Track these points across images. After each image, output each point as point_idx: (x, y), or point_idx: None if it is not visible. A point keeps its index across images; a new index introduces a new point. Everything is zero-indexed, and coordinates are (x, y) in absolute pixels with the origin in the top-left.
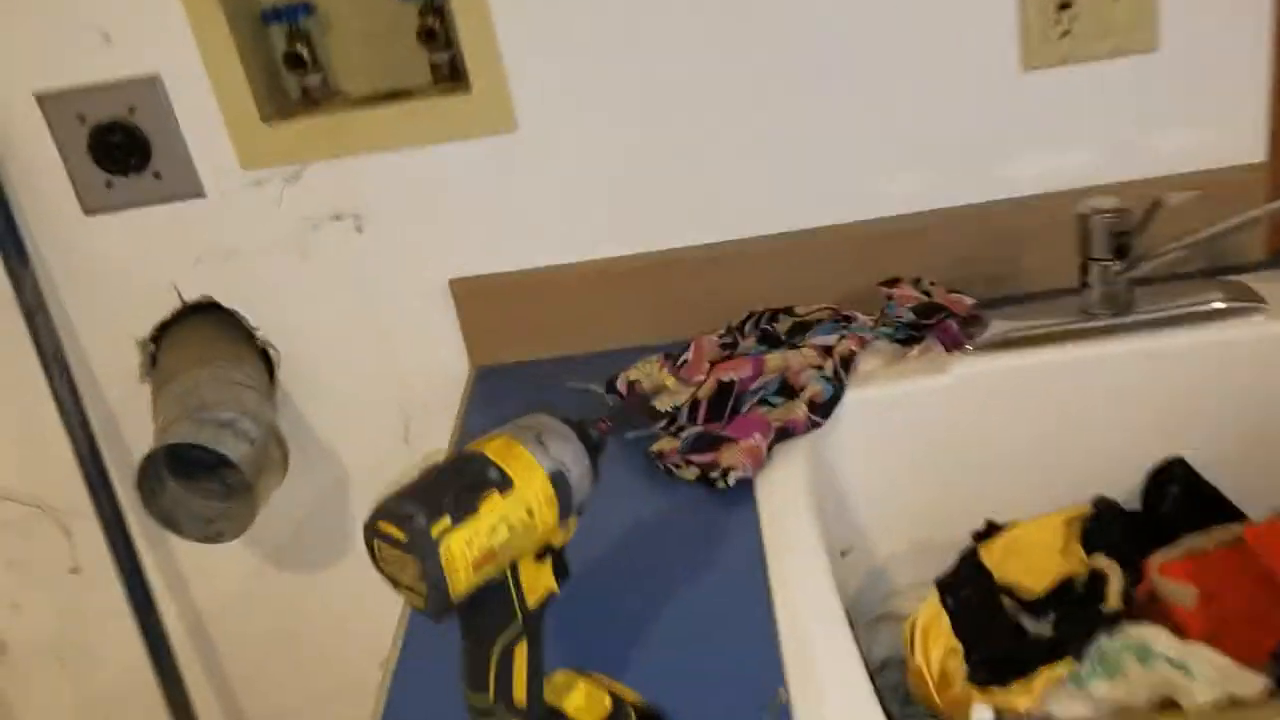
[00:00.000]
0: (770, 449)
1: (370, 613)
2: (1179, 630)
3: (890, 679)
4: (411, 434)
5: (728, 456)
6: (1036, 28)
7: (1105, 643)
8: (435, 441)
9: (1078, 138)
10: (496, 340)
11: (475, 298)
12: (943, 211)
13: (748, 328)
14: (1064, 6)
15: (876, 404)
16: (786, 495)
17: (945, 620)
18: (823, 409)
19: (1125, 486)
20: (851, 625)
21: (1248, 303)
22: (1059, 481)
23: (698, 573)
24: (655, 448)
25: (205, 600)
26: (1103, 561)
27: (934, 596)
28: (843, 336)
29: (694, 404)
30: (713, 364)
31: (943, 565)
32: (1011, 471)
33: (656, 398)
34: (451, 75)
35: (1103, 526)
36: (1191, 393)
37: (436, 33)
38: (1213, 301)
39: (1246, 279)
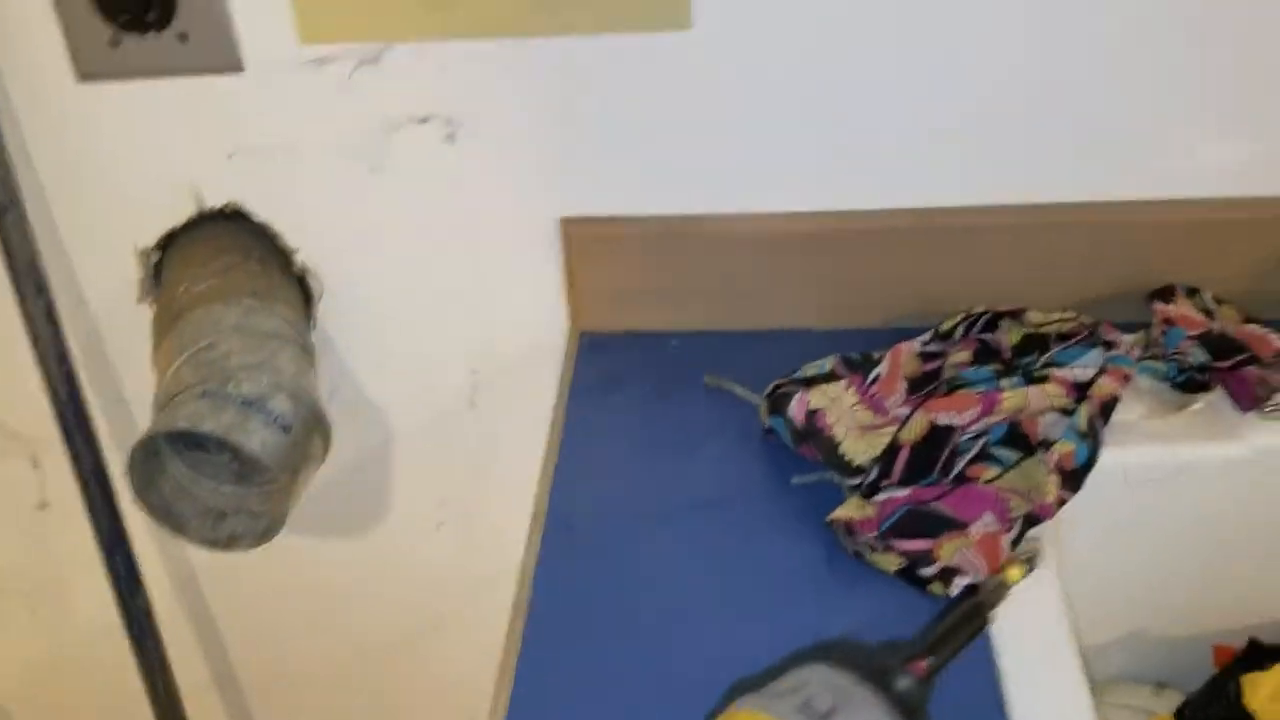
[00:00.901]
0: (1019, 538)
1: (398, 584)
2: None
3: None
4: (479, 401)
5: (950, 550)
6: None
7: None
8: (506, 412)
9: None
10: (610, 300)
11: (590, 244)
12: (1257, 201)
13: (959, 333)
14: None
15: (1134, 472)
16: (1034, 618)
17: None
18: (1072, 479)
19: None
20: None
21: None
22: None
23: None
24: (840, 514)
25: (201, 557)
26: None
27: None
28: (1102, 369)
29: (894, 448)
30: (911, 383)
31: (1159, 664)
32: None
33: (845, 442)
34: None
35: None
36: None
37: None
38: None
39: None
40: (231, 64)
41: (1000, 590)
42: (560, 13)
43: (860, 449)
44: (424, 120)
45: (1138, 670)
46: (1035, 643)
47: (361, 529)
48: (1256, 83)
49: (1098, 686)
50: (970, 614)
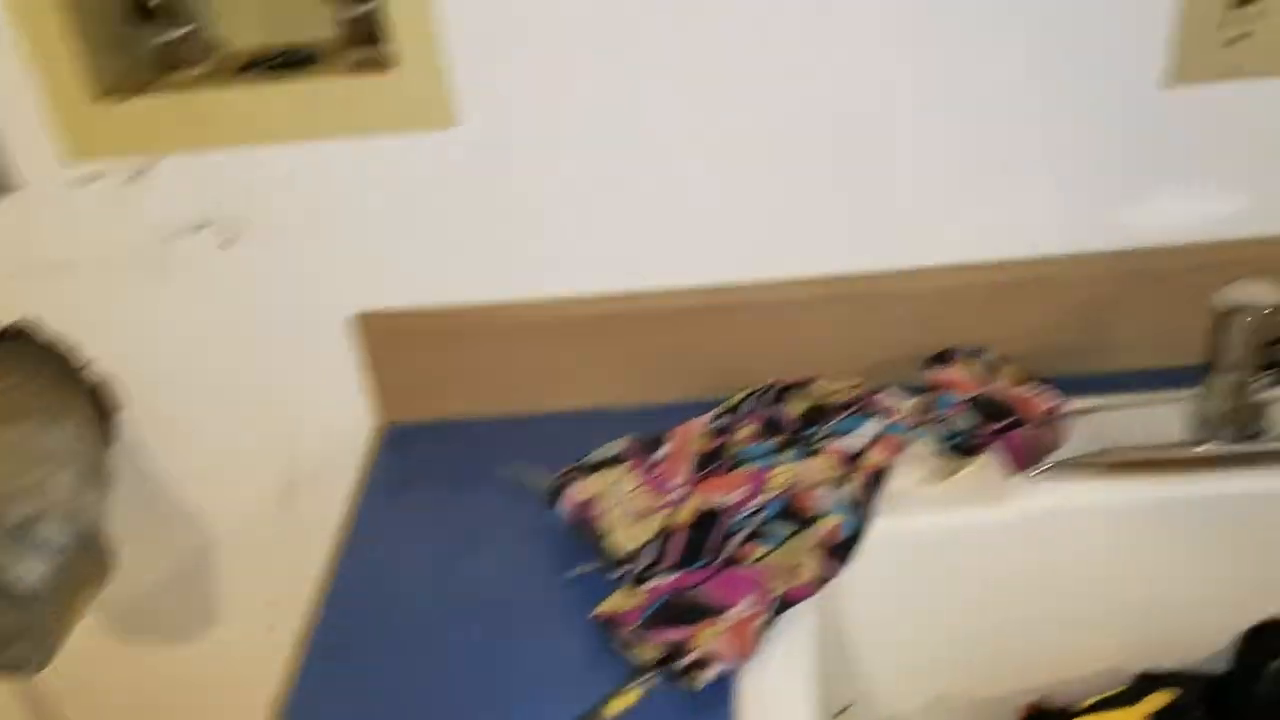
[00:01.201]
0: (770, 622)
1: (237, 687)
2: None
3: None
4: (294, 500)
5: (706, 638)
6: (1198, 31)
7: None
8: (321, 510)
9: (1231, 176)
10: (412, 392)
11: (386, 337)
12: (1025, 263)
13: (747, 407)
14: (1246, 1)
15: (908, 539)
16: (781, 702)
17: None
18: (838, 553)
19: (1209, 649)
20: None
21: None
22: (1130, 641)
23: None
24: (605, 608)
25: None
26: None
27: None
28: (875, 439)
29: (667, 534)
30: (698, 460)
31: None
32: (1071, 625)
33: (614, 533)
34: (370, 37)
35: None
36: None
37: None
38: None
39: None
40: (4, 185)
41: None
42: (323, 119)
43: (628, 538)
44: (199, 228)
45: None
46: None
47: (196, 633)
48: (1018, 157)
49: None
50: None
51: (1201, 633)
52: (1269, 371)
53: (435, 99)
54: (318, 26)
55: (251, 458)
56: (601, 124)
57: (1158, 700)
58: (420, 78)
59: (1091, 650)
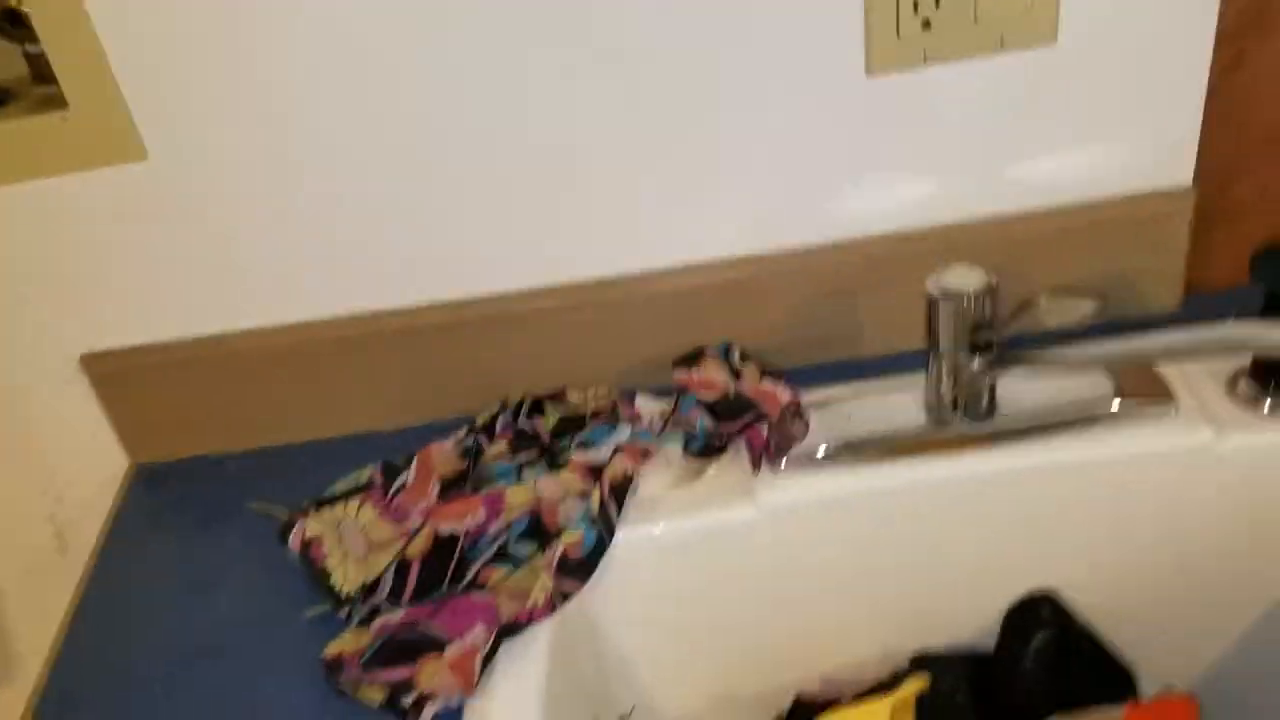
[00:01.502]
0: (494, 652)
1: None
2: None
3: None
4: (68, 546)
5: (429, 674)
6: (884, 20)
7: None
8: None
9: (940, 161)
10: (159, 430)
11: (121, 378)
12: (754, 259)
13: (499, 424)
14: None
15: (657, 545)
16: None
17: None
18: (578, 569)
19: (977, 629)
20: None
21: (1149, 399)
22: (895, 624)
23: None
24: (332, 650)
25: None
26: None
27: None
28: (619, 449)
29: (401, 566)
30: (446, 484)
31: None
32: (836, 615)
33: (339, 570)
34: (49, 75)
35: (942, 706)
36: (1069, 520)
37: (22, 15)
38: (1102, 403)
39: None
40: None
41: None
42: (16, 161)
43: (354, 576)
44: None
45: None
46: None
47: None
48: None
49: None
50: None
51: (968, 613)
52: (981, 354)
53: (114, 132)
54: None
55: (15, 508)
56: (294, 143)
57: (914, 686)
58: (94, 113)
59: (862, 637)
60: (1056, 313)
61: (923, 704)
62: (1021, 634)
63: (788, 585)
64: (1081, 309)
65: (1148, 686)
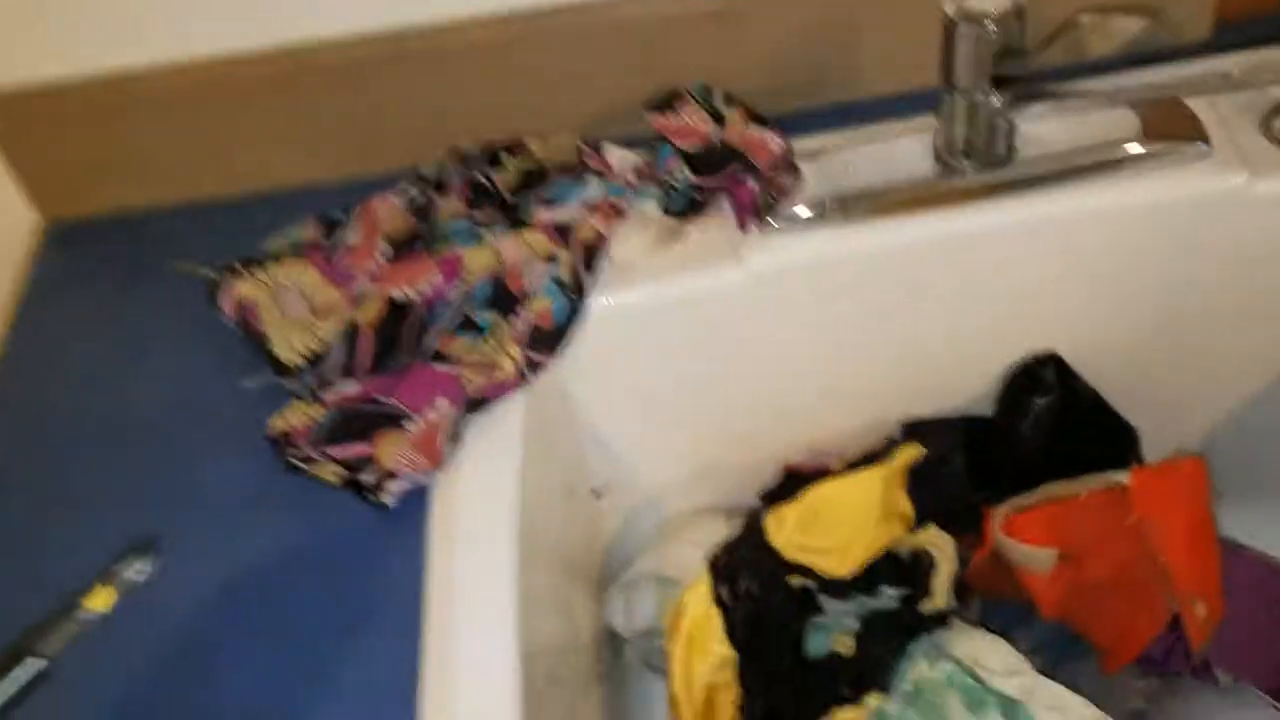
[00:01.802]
0: (461, 424)
1: None
2: (1028, 601)
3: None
4: None
5: (389, 451)
6: None
7: (922, 669)
8: None
9: None
10: (73, 183)
11: (22, 125)
12: None
13: (452, 178)
14: None
15: (635, 313)
16: (476, 514)
17: (717, 621)
18: (549, 339)
19: (975, 394)
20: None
21: (1178, 139)
22: (889, 392)
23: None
24: (278, 425)
25: None
26: (932, 538)
27: (704, 585)
28: (590, 205)
29: (352, 334)
30: (395, 244)
31: (736, 491)
32: (826, 383)
33: (280, 337)
34: None
35: (935, 473)
36: (1083, 275)
37: None
38: (1127, 143)
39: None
40: None
41: (64, 624)
42: None
43: (298, 344)
44: None
45: (717, 500)
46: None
47: None
48: None
49: (673, 522)
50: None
51: (965, 377)
52: (1003, 88)
53: None
54: None
55: None
56: None
57: (907, 454)
58: None
59: (853, 406)
60: (1101, 35)
61: (915, 471)
62: (1023, 397)
63: (775, 353)
64: (1129, 29)
65: (1151, 452)
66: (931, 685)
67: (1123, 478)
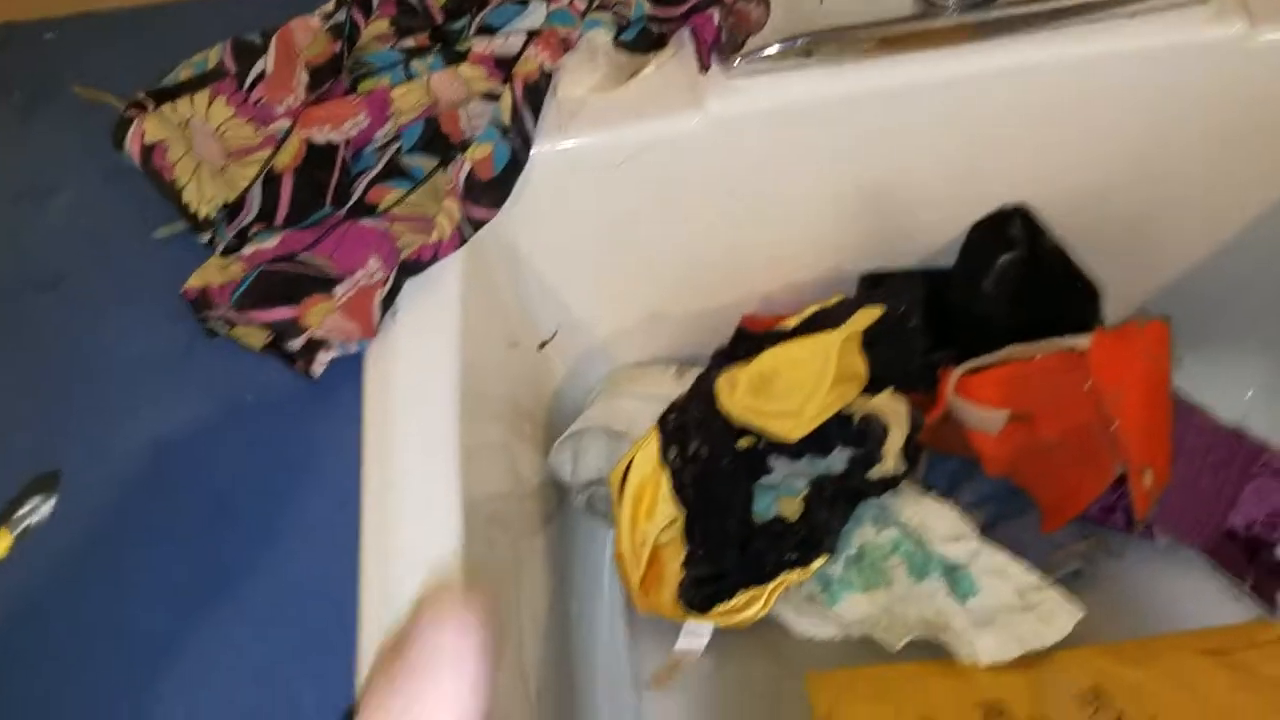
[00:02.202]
0: (395, 292)
1: None
2: (976, 459)
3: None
4: None
5: (318, 317)
6: None
7: (869, 533)
8: None
9: None
10: None
11: None
12: None
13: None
14: None
15: (584, 161)
16: (412, 384)
17: (665, 481)
18: (490, 191)
19: (937, 247)
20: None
21: None
22: (849, 244)
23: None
24: (194, 283)
25: None
26: (886, 402)
27: (653, 445)
28: (531, 36)
29: (270, 181)
30: (315, 73)
31: (689, 342)
32: (784, 234)
33: (192, 183)
34: None
35: (893, 330)
36: (1061, 127)
37: None
38: None
39: None
40: None
41: None
42: None
43: (212, 192)
44: None
45: (667, 352)
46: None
47: None
48: None
49: (622, 373)
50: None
51: (929, 231)
52: None
53: None
54: None
55: None
56: None
57: (866, 317)
58: None
59: (811, 258)
60: None
61: (872, 327)
62: (987, 253)
63: (732, 203)
64: None
65: (1114, 310)
66: (876, 549)
67: (1082, 343)
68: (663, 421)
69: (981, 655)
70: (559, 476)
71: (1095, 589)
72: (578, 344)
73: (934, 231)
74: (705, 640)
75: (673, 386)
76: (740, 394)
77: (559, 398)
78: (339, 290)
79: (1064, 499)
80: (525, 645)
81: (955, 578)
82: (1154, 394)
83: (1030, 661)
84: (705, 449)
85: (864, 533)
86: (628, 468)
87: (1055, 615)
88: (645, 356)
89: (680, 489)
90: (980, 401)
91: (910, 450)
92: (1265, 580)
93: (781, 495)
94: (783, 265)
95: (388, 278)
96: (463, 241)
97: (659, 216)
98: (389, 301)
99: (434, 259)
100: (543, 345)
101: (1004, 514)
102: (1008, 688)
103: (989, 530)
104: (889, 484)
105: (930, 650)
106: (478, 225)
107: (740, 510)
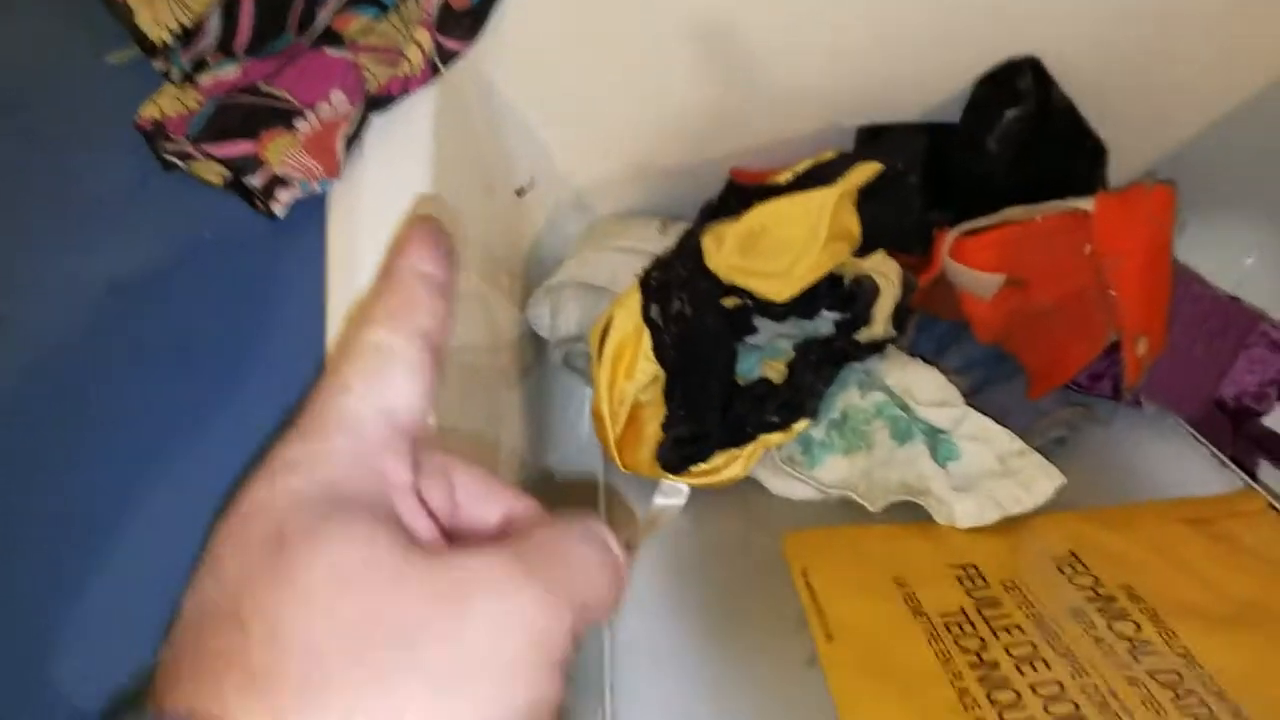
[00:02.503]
0: (360, 128)
1: None
2: (965, 323)
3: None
4: None
5: (279, 153)
6: None
7: (853, 397)
8: None
9: None
10: None
11: None
12: None
13: None
14: None
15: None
16: (379, 229)
17: (646, 340)
18: (465, 20)
19: (940, 102)
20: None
21: None
22: (846, 93)
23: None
24: (148, 113)
25: None
26: (878, 264)
27: (634, 302)
28: None
29: (229, 5)
30: None
31: (674, 195)
32: (778, 79)
33: (147, 7)
34: None
35: (891, 187)
36: None
37: None
38: None
39: None
40: None
41: None
42: None
43: (166, 16)
44: None
45: (650, 204)
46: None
47: None
48: None
49: (603, 225)
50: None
51: (931, 80)
52: None
53: None
54: None
55: None
56: None
57: (862, 172)
58: None
59: (806, 107)
60: None
61: (869, 184)
62: (994, 107)
63: (725, 43)
64: None
65: (1115, 176)
66: (859, 413)
67: (1085, 204)
68: (645, 278)
69: (959, 519)
70: (537, 330)
71: (1079, 456)
72: (558, 193)
73: (938, 83)
74: (683, 500)
75: (657, 241)
76: (727, 251)
77: (538, 249)
78: (300, 125)
79: (1053, 365)
80: None
81: (937, 442)
82: (1155, 260)
83: (1008, 526)
84: (689, 308)
85: (848, 396)
86: (607, 325)
87: (1035, 481)
88: (629, 209)
89: (661, 349)
90: (975, 265)
91: (900, 314)
92: (1249, 450)
93: (766, 357)
94: (777, 116)
95: (352, 113)
96: (435, 75)
97: (644, 56)
98: (354, 138)
99: (403, 93)
100: (521, 193)
101: (991, 379)
102: (983, 551)
103: (975, 395)
104: (876, 348)
105: (911, 513)
106: (451, 58)
107: (723, 372)
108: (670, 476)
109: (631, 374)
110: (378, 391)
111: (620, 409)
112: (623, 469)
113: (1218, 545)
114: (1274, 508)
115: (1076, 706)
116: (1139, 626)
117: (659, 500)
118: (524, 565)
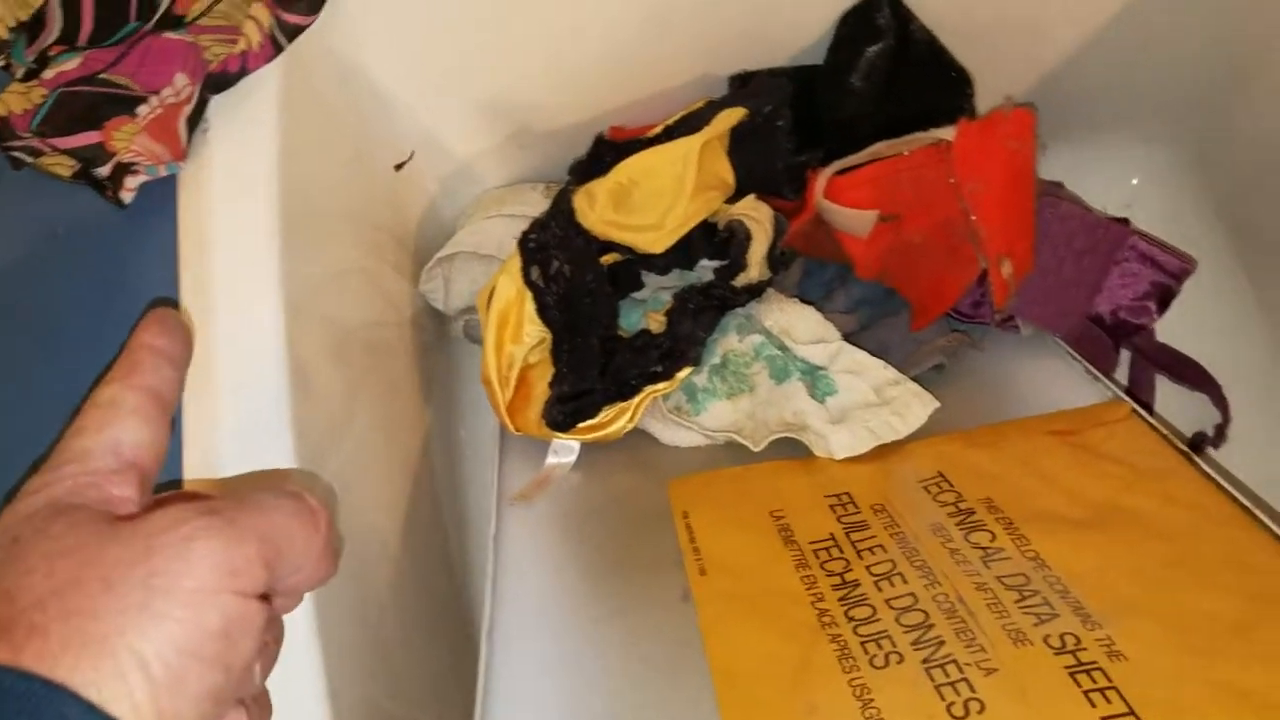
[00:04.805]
0: (200, 109)
1: None
2: (848, 261)
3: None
4: None
5: (123, 140)
6: None
7: (732, 341)
8: None
9: None
10: None
11: None
12: None
13: None
14: None
15: None
16: (229, 207)
17: (529, 302)
18: None
19: (807, 45)
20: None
21: None
22: (713, 46)
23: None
24: None
25: None
26: (747, 208)
27: (515, 266)
28: None
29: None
30: None
31: (552, 161)
32: (646, 38)
33: None
34: None
35: (761, 132)
36: None
37: None
38: None
39: None
40: None
41: None
42: None
43: (7, 11)
44: None
45: (535, 171)
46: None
47: None
48: None
49: (491, 195)
50: None
51: (802, 22)
52: None
53: None
54: None
55: None
56: None
57: (729, 118)
58: None
59: (675, 62)
60: None
61: (740, 130)
62: (854, 44)
63: (591, 5)
64: None
65: (989, 106)
66: (739, 357)
67: (948, 134)
68: (523, 241)
69: (836, 450)
70: (432, 303)
71: (957, 381)
72: (442, 165)
73: (809, 25)
74: (573, 457)
75: (540, 205)
76: (600, 208)
77: (428, 223)
78: (142, 110)
79: (932, 297)
80: (396, 479)
81: (815, 379)
82: (1015, 182)
83: (882, 453)
84: (568, 267)
85: (727, 341)
86: (492, 291)
87: (909, 407)
88: (520, 176)
89: (544, 310)
90: (849, 203)
91: (774, 256)
92: (1143, 366)
93: (650, 309)
94: (649, 74)
95: (194, 93)
96: (278, 51)
97: (512, 23)
98: (195, 119)
99: (242, 71)
100: (399, 167)
101: (880, 314)
102: (856, 478)
103: (861, 332)
104: (754, 292)
105: (797, 450)
106: (294, 33)
107: (605, 327)
108: (560, 435)
109: (518, 337)
110: (106, 432)
111: (510, 373)
112: (514, 432)
113: (1079, 454)
114: (1136, 413)
115: (926, 615)
116: (994, 536)
117: (551, 459)
118: (206, 507)
